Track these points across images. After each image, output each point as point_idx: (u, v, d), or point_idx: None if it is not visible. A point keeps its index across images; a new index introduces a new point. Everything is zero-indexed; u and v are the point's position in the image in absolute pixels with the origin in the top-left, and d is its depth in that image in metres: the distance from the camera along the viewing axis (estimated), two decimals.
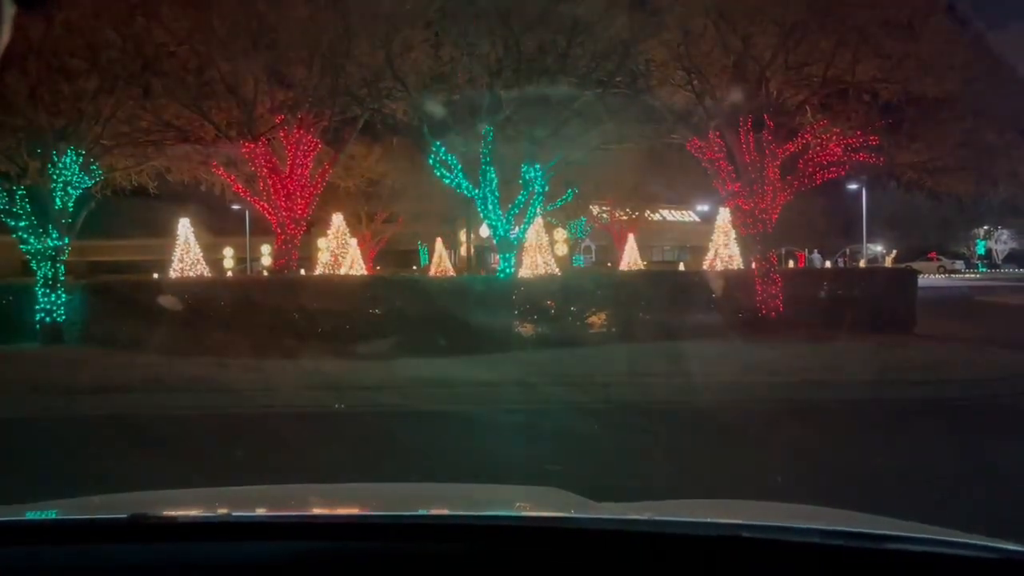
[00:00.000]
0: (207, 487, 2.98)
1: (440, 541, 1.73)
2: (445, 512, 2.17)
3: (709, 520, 1.90)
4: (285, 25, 15.15)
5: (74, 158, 15.12)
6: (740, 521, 1.84)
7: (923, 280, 20.39)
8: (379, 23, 14.93)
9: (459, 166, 16.05)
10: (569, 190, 23.81)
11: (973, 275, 50.42)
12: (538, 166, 16.04)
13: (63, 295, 15.29)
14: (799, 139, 15.45)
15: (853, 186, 38.28)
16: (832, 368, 11.35)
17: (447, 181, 16.34)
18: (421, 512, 2.11)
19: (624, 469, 6.45)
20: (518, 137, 15.90)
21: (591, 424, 8.36)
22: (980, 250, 58.88)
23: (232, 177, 18.07)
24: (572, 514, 2.00)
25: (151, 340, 13.26)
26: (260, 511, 2.16)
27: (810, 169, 15.42)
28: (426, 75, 15.93)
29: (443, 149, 15.92)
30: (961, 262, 55.67)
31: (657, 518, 1.82)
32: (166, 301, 14.71)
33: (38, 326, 15.09)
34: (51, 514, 1.99)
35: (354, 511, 2.21)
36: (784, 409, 9.23)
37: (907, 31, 14.20)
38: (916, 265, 34.46)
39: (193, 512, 2.00)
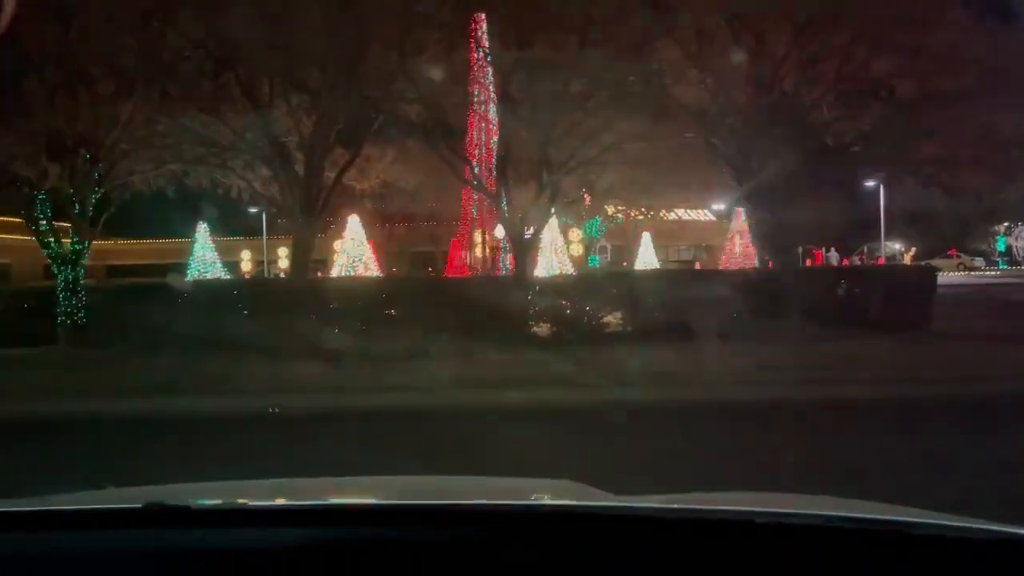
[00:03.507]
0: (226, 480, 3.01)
1: (454, 528, 1.73)
2: (460, 501, 2.17)
3: (719, 507, 1.90)
4: (300, 28, 15.24)
5: (93, 162, 15.28)
6: (753, 508, 1.83)
7: (943, 278, 19.94)
8: (392, 25, 15.00)
9: (474, 166, 16.08)
10: (583, 190, 23.75)
11: (993, 272, 49.78)
12: (553, 166, 16.02)
13: (84, 298, 15.43)
14: None
15: (871, 183, 37.84)
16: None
17: (462, 181, 16.39)
18: (435, 501, 2.12)
19: None
20: (533, 138, 15.90)
21: None
22: (1000, 247, 58.10)
23: (248, 180, 18.21)
24: (587, 502, 2.00)
25: (171, 342, 13.35)
26: (275, 500, 2.18)
27: None
28: (439, 77, 15.97)
29: (456, 150, 15.97)
30: (981, 259, 54.95)
31: (669, 506, 1.81)
32: (184, 302, 14.83)
33: (59, 329, 15.25)
34: (69, 503, 2.03)
35: (368, 500, 2.23)
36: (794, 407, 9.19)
37: (922, 25, 14.08)
38: (935, 263, 34.16)
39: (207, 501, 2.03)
